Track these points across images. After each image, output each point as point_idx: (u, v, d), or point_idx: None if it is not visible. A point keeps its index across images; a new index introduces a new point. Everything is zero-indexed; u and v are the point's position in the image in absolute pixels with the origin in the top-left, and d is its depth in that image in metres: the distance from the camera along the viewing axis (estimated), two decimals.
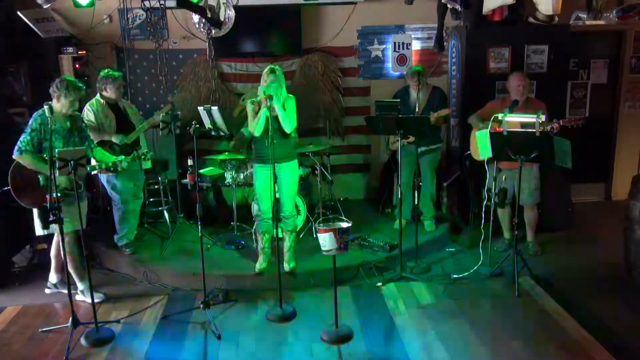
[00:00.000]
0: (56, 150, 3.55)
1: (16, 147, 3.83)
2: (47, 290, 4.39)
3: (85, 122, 4.33)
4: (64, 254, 3.91)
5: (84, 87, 4.02)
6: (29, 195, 3.92)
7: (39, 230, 4.04)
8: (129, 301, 4.27)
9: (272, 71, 4.11)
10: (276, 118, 4.13)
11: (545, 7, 5.14)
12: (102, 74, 4.68)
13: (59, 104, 3.89)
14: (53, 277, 4.38)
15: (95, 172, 4.09)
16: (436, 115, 4.85)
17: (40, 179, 3.91)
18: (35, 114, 3.90)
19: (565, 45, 5.68)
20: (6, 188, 3.94)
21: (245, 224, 5.23)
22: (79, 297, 4.26)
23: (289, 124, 4.16)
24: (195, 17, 5.47)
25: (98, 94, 4.70)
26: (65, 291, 4.22)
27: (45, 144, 3.86)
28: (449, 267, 4.72)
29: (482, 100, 4.99)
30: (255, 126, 4.18)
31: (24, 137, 3.83)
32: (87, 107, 4.62)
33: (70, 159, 3.52)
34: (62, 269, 4.22)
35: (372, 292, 4.32)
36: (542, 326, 3.74)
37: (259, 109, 4.16)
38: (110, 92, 4.66)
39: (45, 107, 3.47)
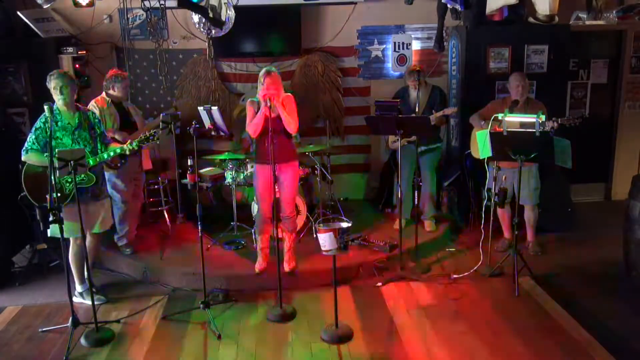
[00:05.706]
0: (56, 150, 3.55)
1: (23, 148, 3.82)
2: (75, 299, 4.12)
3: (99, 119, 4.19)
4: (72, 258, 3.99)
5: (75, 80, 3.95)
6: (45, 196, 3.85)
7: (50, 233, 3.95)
8: (129, 301, 4.27)
9: (269, 73, 4.10)
10: (276, 119, 4.12)
11: (542, 7, 5.14)
12: (111, 73, 4.71)
13: (55, 98, 3.85)
14: (78, 286, 4.25)
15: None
16: (441, 113, 4.87)
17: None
18: (42, 115, 3.85)
19: (565, 45, 5.68)
20: (23, 194, 3.88)
21: (245, 224, 5.23)
22: (76, 299, 4.17)
23: (292, 124, 4.14)
24: (195, 17, 5.47)
25: (104, 92, 4.70)
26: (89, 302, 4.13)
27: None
28: (449, 267, 4.72)
29: (482, 100, 4.98)
30: (253, 127, 4.17)
31: (30, 137, 3.82)
32: (92, 103, 4.63)
33: (70, 159, 3.52)
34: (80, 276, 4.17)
35: (372, 292, 4.32)
36: (542, 326, 3.74)
37: (258, 109, 4.15)
38: (117, 91, 4.67)
39: (45, 107, 3.49)
